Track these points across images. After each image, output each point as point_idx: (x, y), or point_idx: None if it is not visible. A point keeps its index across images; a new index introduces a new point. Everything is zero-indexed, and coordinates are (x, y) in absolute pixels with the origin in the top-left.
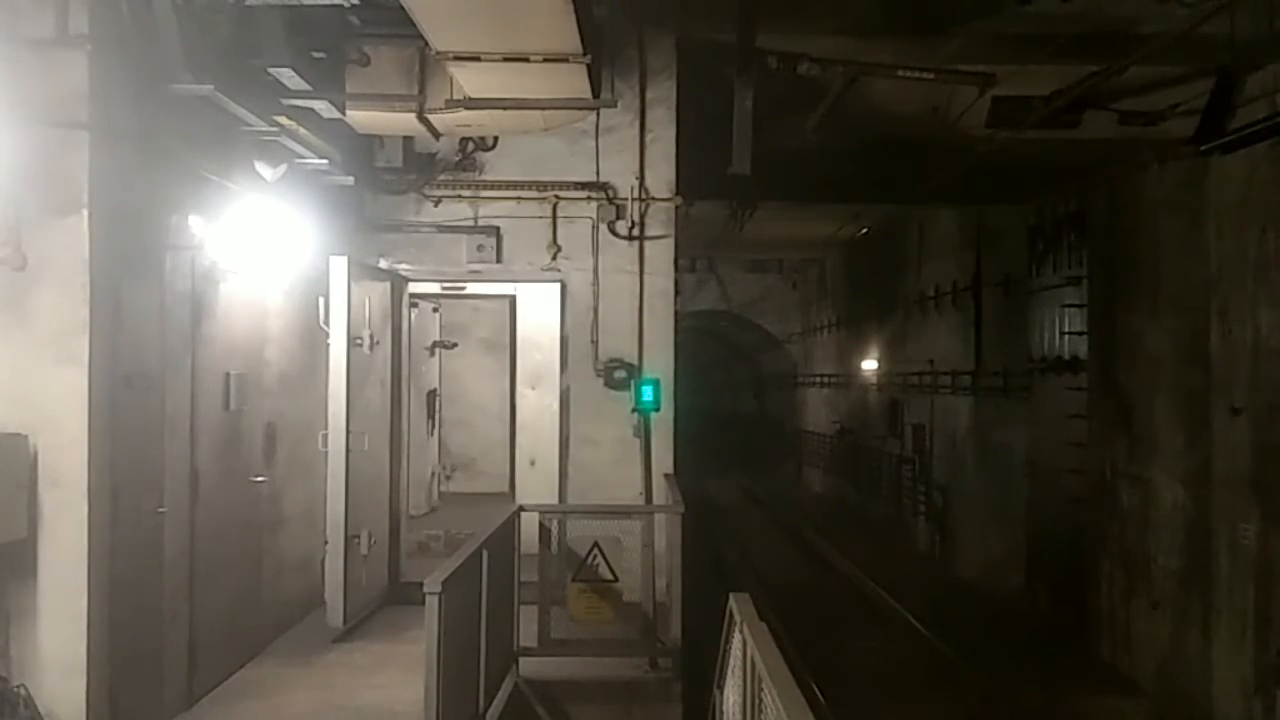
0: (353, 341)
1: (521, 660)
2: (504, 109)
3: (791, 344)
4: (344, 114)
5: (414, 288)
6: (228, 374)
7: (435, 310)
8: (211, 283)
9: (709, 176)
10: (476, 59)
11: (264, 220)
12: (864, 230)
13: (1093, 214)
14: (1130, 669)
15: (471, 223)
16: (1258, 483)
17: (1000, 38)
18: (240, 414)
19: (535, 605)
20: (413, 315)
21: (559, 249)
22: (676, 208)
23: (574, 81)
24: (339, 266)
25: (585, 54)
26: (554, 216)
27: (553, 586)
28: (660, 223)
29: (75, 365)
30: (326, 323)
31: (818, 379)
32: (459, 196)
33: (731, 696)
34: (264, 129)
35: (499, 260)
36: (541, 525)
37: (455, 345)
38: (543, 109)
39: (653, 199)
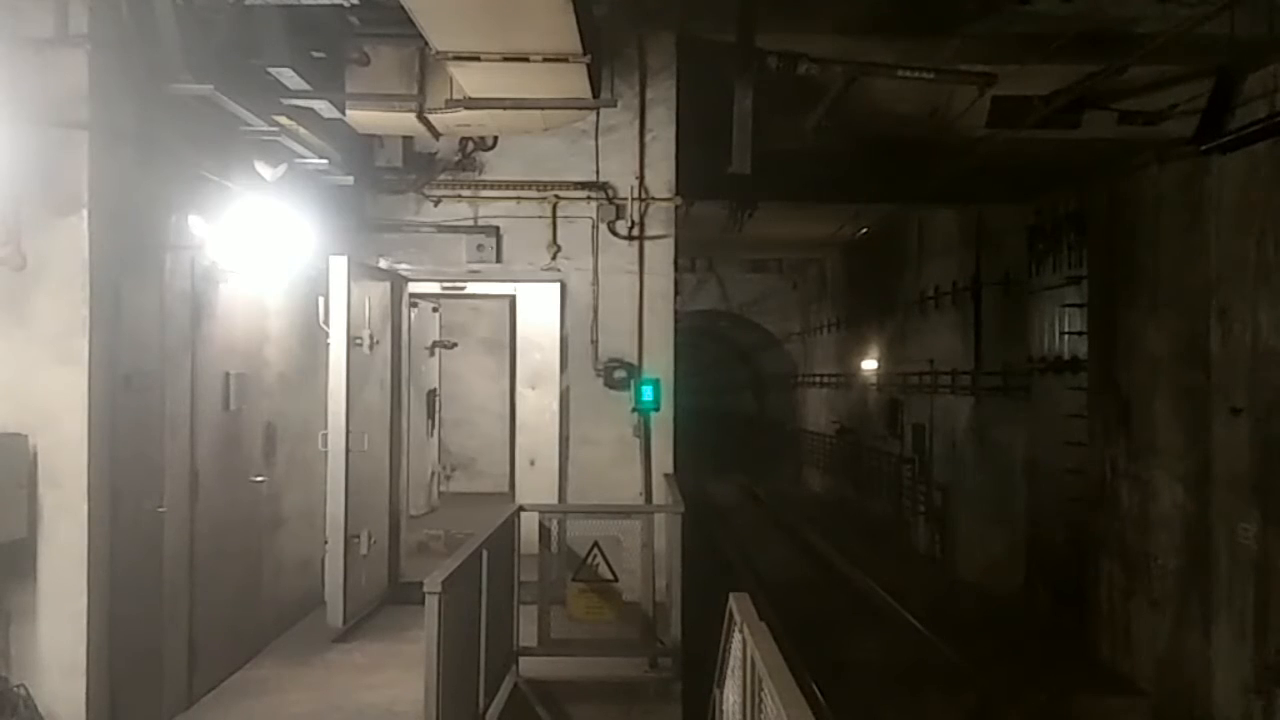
0: (352, 341)
1: (521, 660)
2: (504, 109)
3: (791, 344)
4: (344, 114)
5: (414, 288)
6: (227, 374)
7: (435, 310)
8: (211, 283)
9: (709, 176)
10: (476, 59)
11: (264, 220)
12: (864, 230)
13: (1093, 214)
14: (1130, 668)
15: (471, 223)
16: (1258, 483)
17: (1000, 38)
18: (240, 414)
19: (535, 605)
20: (412, 315)
21: (559, 249)
22: (676, 208)
23: (574, 81)
24: (339, 266)
25: (585, 54)
26: (554, 216)
27: (553, 586)
28: (660, 223)
29: (75, 365)
30: (326, 323)
31: (817, 379)
32: (459, 196)
33: (731, 696)
34: (264, 129)
35: (499, 260)
36: (541, 525)
37: (455, 345)
38: (543, 109)
39: (652, 199)
